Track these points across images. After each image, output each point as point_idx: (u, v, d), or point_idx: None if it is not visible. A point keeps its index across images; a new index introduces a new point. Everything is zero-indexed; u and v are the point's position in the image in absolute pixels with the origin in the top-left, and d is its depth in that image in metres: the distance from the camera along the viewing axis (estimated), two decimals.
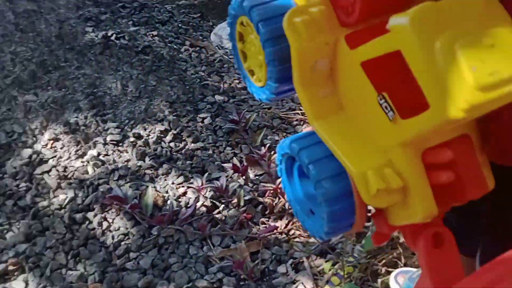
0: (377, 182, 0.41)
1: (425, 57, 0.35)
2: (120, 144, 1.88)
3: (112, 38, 2.36)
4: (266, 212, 1.62)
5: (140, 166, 1.79)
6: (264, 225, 1.57)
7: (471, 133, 0.43)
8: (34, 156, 1.81)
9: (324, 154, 0.45)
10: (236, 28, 0.54)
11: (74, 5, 2.53)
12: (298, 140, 0.47)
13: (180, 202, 1.66)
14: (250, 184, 1.74)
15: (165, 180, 1.76)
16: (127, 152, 1.85)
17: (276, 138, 2.02)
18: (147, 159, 1.83)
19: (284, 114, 2.19)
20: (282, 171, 0.54)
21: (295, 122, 2.16)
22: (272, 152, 1.86)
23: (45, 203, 1.65)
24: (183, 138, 1.94)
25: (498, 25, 0.35)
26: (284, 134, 2.07)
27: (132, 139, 1.89)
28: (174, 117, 2.01)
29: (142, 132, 1.93)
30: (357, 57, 0.42)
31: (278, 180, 1.68)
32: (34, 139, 1.90)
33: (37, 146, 1.86)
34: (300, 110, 2.27)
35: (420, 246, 0.45)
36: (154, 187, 1.72)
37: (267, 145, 1.87)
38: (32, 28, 2.29)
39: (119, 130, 1.92)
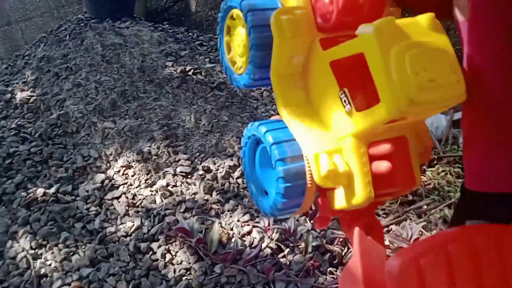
0: (328, 164, 0.49)
1: (382, 61, 0.43)
2: (189, 176, 1.88)
3: (190, 73, 2.43)
4: (334, 262, 1.52)
5: (207, 200, 1.77)
6: (331, 276, 1.47)
7: (409, 136, 0.53)
8: (106, 181, 1.85)
9: (286, 138, 0.53)
10: (226, 22, 0.62)
11: (157, 41, 2.66)
12: (265, 124, 0.55)
13: (244, 241, 1.61)
14: (318, 230, 1.66)
15: (231, 216, 1.72)
16: (195, 185, 1.85)
17: None
18: (214, 193, 1.81)
19: None
20: (245, 153, 0.61)
21: None
22: None
23: (112, 229, 1.66)
24: None
25: (440, 43, 0.46)
26: None
27: (201, 172, 1.89)
28: None
29: (211, 166, 1.92)
30: (327, 57, 0.50)
31: None
32: (108, 164, 1.95)
33: (110, 172, 1.91)
34: None
35: (354, 231, 0.54)
36: (220, 223, 1.68)
37: None
38: (117, 60, 2.41)
39: (189, 162, 1.93)
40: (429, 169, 2.16)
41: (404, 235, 1.46)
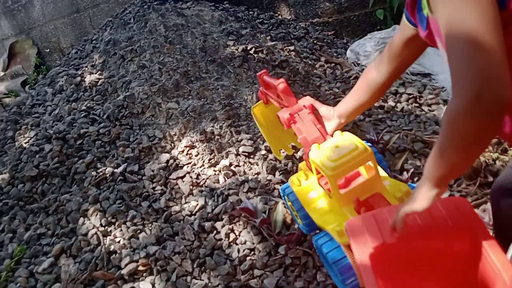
0: (339, 227, 1.05)
1: (315, 164, 1.14)
2: (252, 156, 1.85)
3: (251, 52, 2.38)
4: None
5: (270, 180, 1.73)
6: None
7: (382, 192, 1.10)
8: (171, 161, 1.87)
9: (329, 238, 1.12)
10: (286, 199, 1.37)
11: (218, 20, 2.63)
12: (318, 235, 1.17)
13: None
14: None
15: None
16: (257, 165, 1.82)
17: (418, 163, 1.82)
18: (277, 173, 1.77)
19: (428, 137, 1.97)
20: (321, 255, 1.19)
21: None
22: (415, 179, 1.66)
23: (177, 208, 1.68)
24: None
25: (345, 139, 1.14)
26: None
27: (263, 152, 1.85)
28: None
29: None
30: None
31: None
32: (172, 144, 1.97)
33: (175, 152, 1.92)
34: None
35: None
36: (283, 203, 1.64)
37: (410, 171, 1.68)
38: (179, 40, 2.41)
39: (252, 142, 1.89)
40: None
41: (486, 220, 1.33)
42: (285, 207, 1.54)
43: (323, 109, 1.28)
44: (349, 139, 1.12)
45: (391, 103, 2.34)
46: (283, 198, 1.38)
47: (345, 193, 1.11)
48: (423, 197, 0.84)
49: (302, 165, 1.33)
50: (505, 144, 1.99)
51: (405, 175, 1.65)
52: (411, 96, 2.41)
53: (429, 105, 2.34)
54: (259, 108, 1.58)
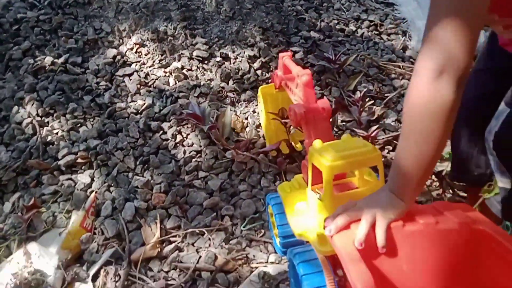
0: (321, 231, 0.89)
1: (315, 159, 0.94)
2: (206, 62, 1.77)
3: None
4: None
5: (223, 88, 1.67)
6: None
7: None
8: (118, 57, 1.75)
9: (310, 257, 0.91)
10: (269, 209, 1.16)
11: None
12: (295, 248, 0.96)
13: (259, 131, 1.54)
14: (335, 129, 1.58)
15: (246, 107, 1.64)
16: (211, 71, 1.74)
17: (371, 87, 1.82)
18: (230, 81, 1.71)
19: (384, 64, 1.97)
20: (290, 268, 1.04)
21: (393, 75, 1.94)
22: (367, 100, 1.67)
23: (122, 105, 1.59)
24: (271, 68, 1.79)
25: (352, 140, 0.97)
26: (380, 85, 1.87)
27: (218, 58, 1.77)
28: (265, 45, 1.85)
29: (230, 54, 1.80)
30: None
31: (372, 129, 1.50)
32: (121, 40, 1.83)
33: (123, 48, 1.79)
34: (401, 63, 2.04)
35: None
36: (234, 111, 1.60)
37: (362, 92, 1.68)
38: None
39: (207, 47, 1.80)
40: None
41: None
42: (266, 221, 1.29)
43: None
44: (359, 139, 0.96)
45: (352, 27, 2.30)
46: (266, 209, 1.15)
47: (339, 195, 0.93)
48: (395, 211, 0.74)
49: (298, 177, 1.12)
50: None
51: (358, 95, 1.65)
52: (372, 23, 2.37)
53: (389, 34, 2.32)
54: (267, 91, 1.38)
